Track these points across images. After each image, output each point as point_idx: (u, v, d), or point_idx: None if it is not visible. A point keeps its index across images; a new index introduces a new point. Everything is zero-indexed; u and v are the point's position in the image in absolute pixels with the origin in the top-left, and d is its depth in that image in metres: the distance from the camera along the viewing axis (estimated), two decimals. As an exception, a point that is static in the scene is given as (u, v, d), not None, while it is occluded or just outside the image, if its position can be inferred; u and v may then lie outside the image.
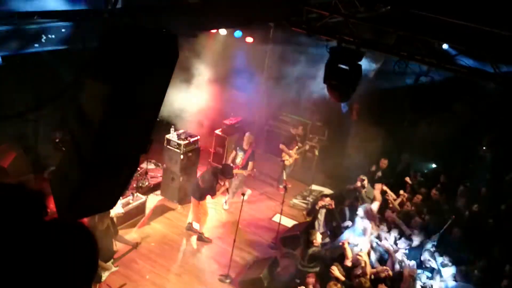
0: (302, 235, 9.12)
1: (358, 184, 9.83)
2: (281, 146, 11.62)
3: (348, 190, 10.21)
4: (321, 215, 9.30)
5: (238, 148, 10.88)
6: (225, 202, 10.63)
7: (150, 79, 2.88)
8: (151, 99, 2.95)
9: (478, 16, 5.50)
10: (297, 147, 11.67)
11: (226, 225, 10.14)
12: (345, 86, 6.69)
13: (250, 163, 10.65)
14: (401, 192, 9.94)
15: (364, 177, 9.90)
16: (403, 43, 6.42)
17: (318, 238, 8.09)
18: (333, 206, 9.22)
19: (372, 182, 10.18)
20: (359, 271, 7.21)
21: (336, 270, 7.15)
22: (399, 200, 9.77)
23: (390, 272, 7.31)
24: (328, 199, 9.35)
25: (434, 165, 11.19)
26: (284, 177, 11.58)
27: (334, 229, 9.25)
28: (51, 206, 3.36)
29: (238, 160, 10.75)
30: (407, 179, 10.32)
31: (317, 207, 9.37)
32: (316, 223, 9.30)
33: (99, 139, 2.84)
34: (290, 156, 11.57)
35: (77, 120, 3.05)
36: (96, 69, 2.88)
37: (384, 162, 10.84)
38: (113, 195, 3.29)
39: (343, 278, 7.07)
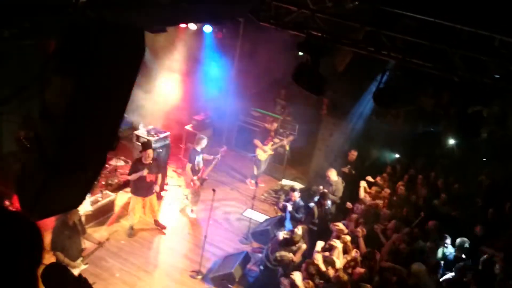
0: (272, 229, 9.19)
1: (320, 188, 9.88)
2: (256, 141, 11.61)
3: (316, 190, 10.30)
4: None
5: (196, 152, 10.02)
6: (191, 211, 10.31)
7: (116, 74, 2.83)
8: (117, 95, 2.91)
9: (445, 12, 5.63)
10: (272, 142, 11.68)
11: (196, 221, 10.11)
12: (315, 83, 6.75)
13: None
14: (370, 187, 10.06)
15: (331, 171, 9.96)
16: (370, 39, 6.51)
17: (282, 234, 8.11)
18: (295, 198, 9.27)
19: (342, 175, 10.32)
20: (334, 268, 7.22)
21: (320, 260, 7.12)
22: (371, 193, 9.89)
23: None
24: (295, 192, 9.38)
25: (397, 157, 11.37)
26: (255, 173, 11.62)
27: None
28: (17, 205, 3.29)
29: (201, 165, 10.05)
30: (378, 178, 10.39)
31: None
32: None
33: (64, 136, 2.78)
34: (264, 152, 11.58)
35: (41, 117, 2.98)
36: (60, 64, 2.82)
37: (353, 154, 10.95)
38: (79, 193, 3.22)
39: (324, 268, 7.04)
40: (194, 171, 9.91)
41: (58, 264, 5.76)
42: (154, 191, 9.23)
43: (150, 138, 10.02)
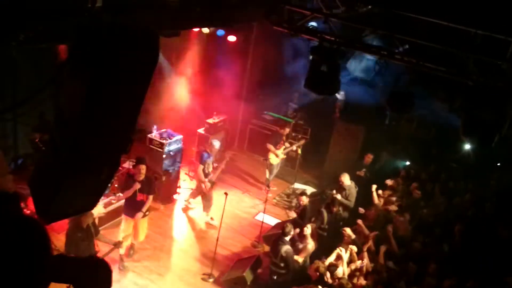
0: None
1: (333, 192, 9.83)
2: (268, 145, 11.61)
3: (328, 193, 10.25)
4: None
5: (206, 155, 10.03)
6: (211, 218, 10.20)
7: (130, 77, 2.86)
8: (131, 98, 2.93)
9: (458, 15, 5.60)
10: (284, 146, 11.67)
11: (209, 224, 10.12)
12: (327, 85, 6.74)
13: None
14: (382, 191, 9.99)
15: (344, 175, 9.87)
16: (385, 43, 6.50)
17: (291, 230, 8.04)
18: (305, 203, 9.22)
19: (355, 179, 10.23)
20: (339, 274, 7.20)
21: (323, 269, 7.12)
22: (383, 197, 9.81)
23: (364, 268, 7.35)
24: (304, 197, 9.35)
25: (407, 163, 11.29)
26: (268, 176, 11.61)
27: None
28: (31, 207, 3.32)
29: (211, 168, 10.04)
30: (390, 181, 10.30)
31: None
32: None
33: (78, 139, 2.80)
34: (276, 156, 11.57)
35: (56, 120, 3.02)
36: (74, 67, 2.85)
37: (369, 157, 10.90)
38: (93, 195, 3.25)
39: (328, 276, 7.05)
40: (206, 174, 9.94)
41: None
42: (141, 211, 8.26)
43: (163, 141, 10.07)
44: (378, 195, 9.70)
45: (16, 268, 1.63)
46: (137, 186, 8.09)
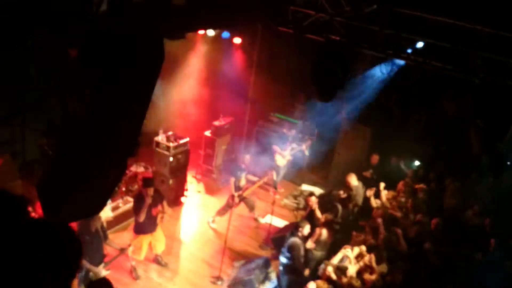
0: (289, 235, 9.13)
1: (341, 193, 9.81)
2: (274, 147, 11.58)
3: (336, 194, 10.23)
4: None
5: (237, 170, 10.03)
6: (212, 221, 10.18)
7: (136, 81, 2.86)
8: (137, 102, 2.93)
9: (464, 14, 5.56)
10: (290, 148, 11.64)
11: (217, 227, 10.11)
12: (332, 87, 6.71)
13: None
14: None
15: (351, 176, 9.82)
16: (390, 42, 6.46)
17: (305, 230, 8.05)
18: (315, 206, 9.19)
19: (362, 180, 10.18)
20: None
21: (331, 271, 7.11)
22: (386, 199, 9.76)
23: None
24: (313, 198, 9.30)
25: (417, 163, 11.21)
26: (275, 178, 11.59)
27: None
28: (40, 211, 3.33)
29: (243, 182, 10.00)
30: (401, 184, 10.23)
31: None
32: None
33: (85, 143, 2.81)
34: (283, 157, 11.54)
35: (64, 124, 3.03)
36: (81, 72, 2.86)
37: (375, 158, 10.86)
38: (100, 199, 3.26)
39: (335, 277, 7.06)
40: (237, 188, 9.88)
41: (105, 280, 5.73)
42: (166, 212, 8.40)
43: (170, 144, 10.09)
44: (379, 197, 9.65)
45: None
46: (149, 201, 7.88)
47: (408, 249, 7.88)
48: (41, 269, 1.56)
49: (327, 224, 8.40)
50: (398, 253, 7.75)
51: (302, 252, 7.91)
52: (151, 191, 7.93)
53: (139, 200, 7.98)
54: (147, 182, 8.07)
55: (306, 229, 8.04)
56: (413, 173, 10.55)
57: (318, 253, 8.27)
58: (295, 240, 7.91)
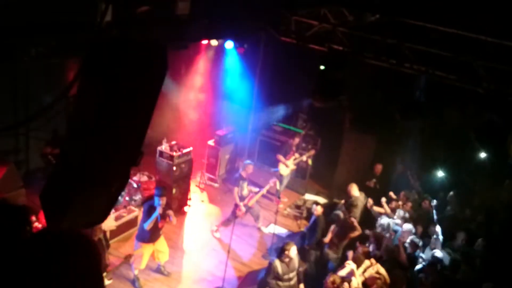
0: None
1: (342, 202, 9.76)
2: (278, 156, 11.57)
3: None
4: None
5: (239, 180, 10.01)
6: (216, 230, 10.13)
7: (140, 91, 2.87)
8: (140, 111, 2.94)
9: (465, 23, 5.56)
10: (294, 157, 11.63)
11: (220, 237, 10.08)
12: (334, 94, 6.73)
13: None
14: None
15: (352, 186, 9.75)
16: (392, 52, 6.48)
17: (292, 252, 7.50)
18: (318, 213, 9.13)
19: (365, 190, 10.13)
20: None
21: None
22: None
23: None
24: (318, 207, 9.24)
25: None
26: (278, 187, 11.56)
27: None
28: (43, 220, 3.34)
29: (246, 192, 9.96)
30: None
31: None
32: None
33: (89, 152, 2.82)
34: (286, 167, 11.53)
35: (67, 133, 3.04)
36: (86, 81, 2.87)
37: (378, 167, 10.82)
38: (103, 208, 3.25)
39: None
40: (241, 198, 9.86)
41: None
42: (161, 233, 8.19)
43: (173, 154, 10.09)
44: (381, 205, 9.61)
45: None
46: (160, 211, 7.75)
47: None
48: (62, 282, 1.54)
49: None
50: (397, 262, 7.73)
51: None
52: (163, 200, 7.78)
53: (150, 208, 7.83)
54: (160, 191, 7.89)
55: (292, 251, 7.46)
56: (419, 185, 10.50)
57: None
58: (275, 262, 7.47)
